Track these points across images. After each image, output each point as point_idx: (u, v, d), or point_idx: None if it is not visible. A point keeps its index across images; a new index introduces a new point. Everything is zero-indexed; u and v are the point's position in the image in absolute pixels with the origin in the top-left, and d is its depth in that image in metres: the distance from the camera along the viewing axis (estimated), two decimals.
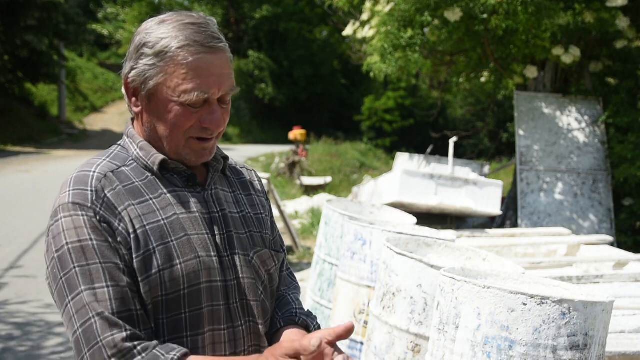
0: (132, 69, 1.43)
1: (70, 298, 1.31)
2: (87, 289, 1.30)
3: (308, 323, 1.60)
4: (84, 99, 26.67)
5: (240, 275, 1.50)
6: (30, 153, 17.26)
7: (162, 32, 1.41)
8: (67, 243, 1.33)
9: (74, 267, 1.32)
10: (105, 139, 22.02)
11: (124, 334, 1.29)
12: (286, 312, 1.62)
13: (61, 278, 1.33)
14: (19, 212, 9.30)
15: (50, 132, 21.53)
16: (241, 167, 1.70)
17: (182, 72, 1.39)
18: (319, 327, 1.61)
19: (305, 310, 1.65)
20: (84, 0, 32.21)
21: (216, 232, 1.48)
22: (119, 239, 1.35)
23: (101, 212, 1.35)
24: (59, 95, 23.33)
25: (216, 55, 1.41)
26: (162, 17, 1.45)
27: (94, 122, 25.33)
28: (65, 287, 1.32)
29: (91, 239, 1.33)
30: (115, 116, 26.16)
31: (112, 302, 1.30)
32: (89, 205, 1.35)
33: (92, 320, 1.29)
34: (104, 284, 1.31)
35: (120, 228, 1.35)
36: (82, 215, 1.34)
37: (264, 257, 1.57)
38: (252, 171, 1.73)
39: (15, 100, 21.19)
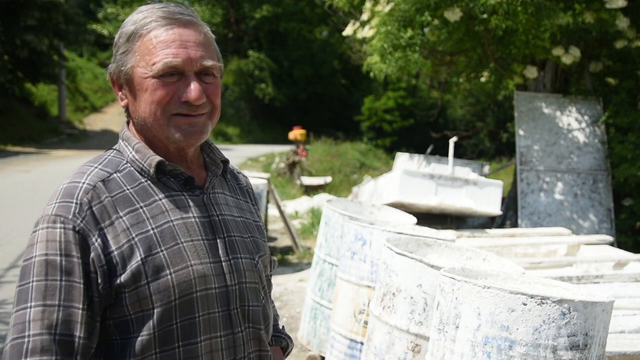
0: (114, 62, 1.46)
1: (16, 309, 1.30)
2: (36, 305, 1.28)
3: (288, 344, 1.73)
4: (84, 99, 26.67)
5: (244, 280, 1.48)
6: (30, 153, 17.25)
7: (132, 20, 1.44)
8: (35, 255, 1.31)
9: (32, 281, 1.29)
10: (106, 139, 22.02)
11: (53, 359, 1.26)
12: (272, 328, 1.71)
13: (19, 286, 1.32)
14: (19, 212, 9.29)
15: (50, 132, 21.52)
16: (238, 173, 1.69)
17: (151, 47, 1.40)
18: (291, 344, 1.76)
19: (280, 326, 1.78)
20: (84, 0, 32.22)
21: (217, 237, 1.45)
22: (92, 254, 1.32)
23: (81, 225, 1.32)
24: (59, 95, 23.32)
25: (186, 28, 1.42)
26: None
27: (94, 122, 25.33)
28: (17, 297, 1.31)
29: (60, 255, 1.30)
30: (115, 116, 26.16)
31: (59, 323, 1.28)
32: (70, 217, 1.32)
33: (27, 339, 1.26)
34: (56, 303, 1.28)
35: (96, 244, 1.32)
36: (59, 229, 1.32)
37: (265, 262, 1.58)
38: (247, 178, 1.72)
39: (15, 100, 21.19)
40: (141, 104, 1.42)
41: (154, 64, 1.39)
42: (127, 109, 1.48)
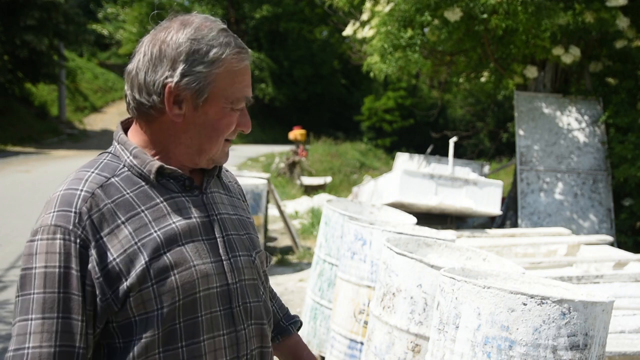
0: (184, 76, 1.38)
1: (18, 319, 1.31)
2: (36, 318, 1.29)
3: (296, 324, 1.78)
4: (84, 99, 26.68)
5: (244, 277, 1.49)
6: (30, 153, 17.25)
7: (209, 38, 1.40)
8: (35, 267, 1.31)
9: (33, 292, 1.30)
10: (106, 139, 22.02)
11: None
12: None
13: (18, 296, 1.32)
14: (19, 212, 9.29)
15: (50, 132, 21.53)
16: (226, 171, 1.70)
17: (233, 77, 1.42)
18: (299, 324, 1.79)
19: (282, 308, 1.80)
20: (84, 0, 32.23)
21: (217, 236, 1.46)
22: (89, 266, 1.32)
23: (82, 236, 1.32)
24: (59, 95, 23.34)
25: (248, 60, 1.47)
26: (188, 18, 1.42)
27: (94, 122, 25.33)
28: (18, 307, 1.31)
29: (59, 267, 1.30)
30: (115, 116, 26.16)
31: (58, 335, 1.29)
32: (71, 228, 1.32)
33: (27, 350, 1.28)
34: (55, 315, 1.29)
35: (94, 256, 1.32)
36: (60, 239, 1.31)
37: (262, 258, 1.59)
38: (234, 176, 1.72)
39: (15, 100, 21.21)
40: (207, 129, 1.43)
41: (237, 97, 1.43)
42: (143, 113, 1.42)
